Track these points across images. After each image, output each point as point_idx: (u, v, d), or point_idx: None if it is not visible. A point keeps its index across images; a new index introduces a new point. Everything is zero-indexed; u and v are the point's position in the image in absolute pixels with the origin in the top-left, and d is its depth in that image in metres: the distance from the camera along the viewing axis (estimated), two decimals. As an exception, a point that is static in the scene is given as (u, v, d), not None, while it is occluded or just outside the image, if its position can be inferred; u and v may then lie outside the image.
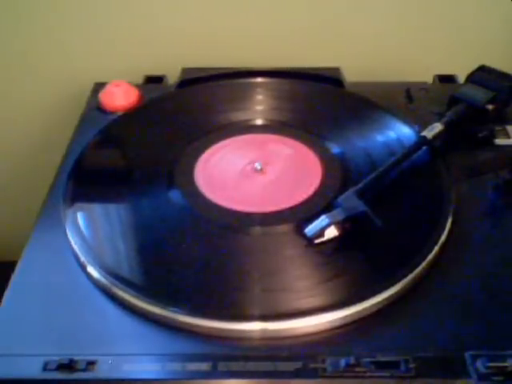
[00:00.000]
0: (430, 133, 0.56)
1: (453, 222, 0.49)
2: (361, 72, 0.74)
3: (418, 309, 0.43)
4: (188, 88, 0.69)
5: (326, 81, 0.68)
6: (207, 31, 0.76)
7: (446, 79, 0.70)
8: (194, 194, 0.53)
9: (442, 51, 0.78)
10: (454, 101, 0.61)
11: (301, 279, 0.45)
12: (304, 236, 0.47)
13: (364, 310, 0.42)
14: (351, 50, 0.78)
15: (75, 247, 0.47)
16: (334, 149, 0.58)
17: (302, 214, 0.50)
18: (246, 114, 0.63)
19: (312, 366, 0.39)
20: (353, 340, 0.41)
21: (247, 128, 0.62)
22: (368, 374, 0.38)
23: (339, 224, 0.47)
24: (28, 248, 0.49)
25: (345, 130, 0.60)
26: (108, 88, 0.66)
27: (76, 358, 0.39)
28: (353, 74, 0.70)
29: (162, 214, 0.51)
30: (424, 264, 0.45)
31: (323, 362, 0.39)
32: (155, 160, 0.57)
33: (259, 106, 0.65)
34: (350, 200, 0.48)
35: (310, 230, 0.47)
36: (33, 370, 0.39)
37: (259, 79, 0.68)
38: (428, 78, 0.71)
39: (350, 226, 0.48)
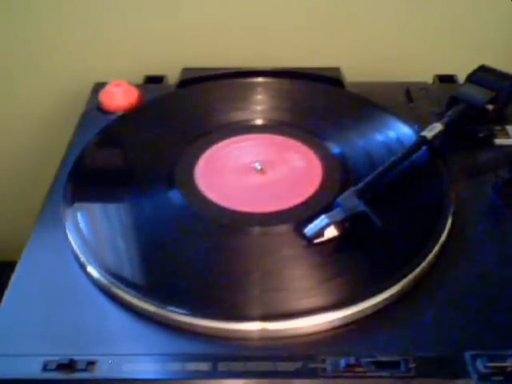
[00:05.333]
0: (429, 133, 0.56)
1: (453, 222, 0.49)
2: (361, 72, 0.74)
3: (417, 309, 0.43)
4: (188, 88, 0.69)
5: (326, 81, 0.68)
6: (207, 31, 0.76)
7: (446, 79, 0.70)
8: (194, 193, 0.53)
9: (442, 51, 0.78)
10: (453, 101, 0.61)
11: (301, 279, 0.45)
12: (304, 236, 0.47)
13: (364, 309, 0.42)
14: (351, 49, 0.78)
15: (75, 247, 0.47)
16: (334, 149, 0.58)
17: (301, 214, 0.50)
18: (245, 114, 0.63)
19: (312, 365, 0.39)
20: (353, 340, 0.41)
21: (247, 128, 0.62)
22: (368, 374, 0.38)
23: (339, 224, 0.47)
24: (28, 248, 0.49)
25: (345, 130, 0.60)
26: (108, 88, 0.66)
27: (76, 357, 0.39)
28: (353, 74, 0.71)
29: (162, 213, 0.51)
30: (424, 264, 0.45)
31: (323, 361, 0.39)
32: (155, 160, 0.57)
33: (259, 106, 0.65)
34: (349, 200, 0.48)
35: (310, 229, 0.47)
36: (33, 370, 0.39)
37: (259, 79, 0.68)
38: (428, 78, 0.71)
39: (350, 226, 0.48)
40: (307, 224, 0.48)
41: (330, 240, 0.47)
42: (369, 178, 0.51)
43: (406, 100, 0.67)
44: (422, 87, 0.68)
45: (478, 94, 0.60)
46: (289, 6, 0.75)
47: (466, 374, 0.38)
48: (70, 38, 0.77)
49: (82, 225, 0.49)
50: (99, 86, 0.68)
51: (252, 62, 0.73)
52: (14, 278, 0.46)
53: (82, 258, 0.46)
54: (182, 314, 0.42)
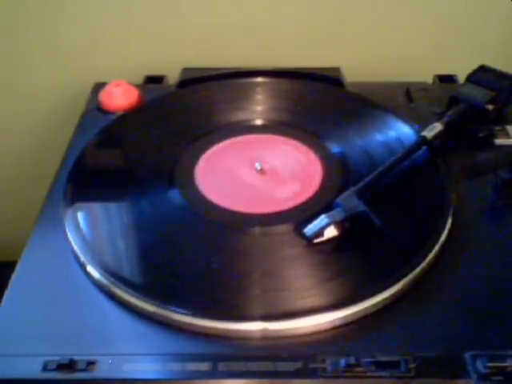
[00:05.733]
0: (429, 133, 0.56)
1: (453, 222, 0.49)
2: (361, 72, 0.74)
3: (418, 309, 0.43)
4: (188, 88, 0.69)
5: (326, 81, 0.68)
6: (207, 31, 0.76)
7: (446, 79, 0.70)
8: (194, 193, 0.53)
9: (442, 51, 0.78)
10: (454, 101, 0.61)
11: (301, 279, 0.45)
12: (304, 236, 0.47)
13: (364, 309, 0.42)
14: (351, 50, 0.78)
15: (75, 247, 0.47)
16: (334, 149, 0.58)
17: (302, 214, 0.50)
18: (245, 114, 0.63)
19: (312, 365, 0.39)
20: (353, 340, 0.41)
21: (247, 128, 0.62)
22: (368, 374, 0.38)
23: (339, 224, 0.47)
24: (28, 248, 0.49)
25: (345, 129, 0.60)
26: (108, 88, 0.66)
27: (76, 357, 0.39)
28: (353, 74, 0.71)
29: (162, 214, 0.51)
30: (424, 264, 0.45)
31: (323, 361, 0.39)
32: (155, 160, 0.57)
33: (259, 106, 0.65)
34: (349, 200, 0.48)
35: (310, 229, 0.47)
36: (33, 369, 0.39)
37: (259, 79, 0.68)
38: (428, 78, 0.71)
39: (350, 226, 0.48)
40: (307, 224, 0.48)
41: (329, 240, 0.47)
42: (369, 177, 0.51)
43: (405, 100, 0.67)
44: (422, 87, 0.68)
45: (478, 94, 0.60)
46: (289, 6, 0.75)
47: (466, 374, 0.38)
48: (70, 38, 0.77)
49: (82, 225, 0.49)
50: (99, 86, 0.68)
51: (252, 62, 0.73)
52: (13, 278, 0.46)
53: (82, 258, 0.46)
54: (182, 313, 0.42)
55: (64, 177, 0.55)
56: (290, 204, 0.51)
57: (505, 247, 0.48)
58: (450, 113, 0.59)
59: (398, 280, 0.43)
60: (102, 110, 0.66)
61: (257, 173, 0.55)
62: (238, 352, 0.40)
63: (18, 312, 0.43)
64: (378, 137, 0.59)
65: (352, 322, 0.42)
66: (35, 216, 0.52)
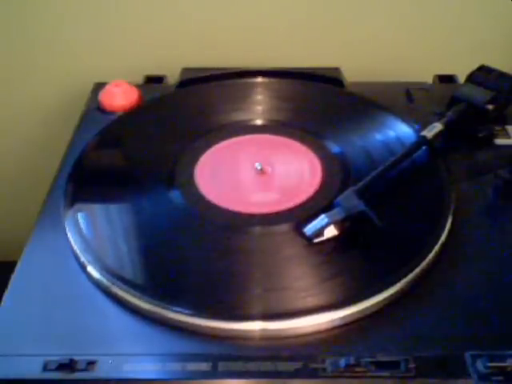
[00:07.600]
0: (429, 133, 0.56)
1: (453, 222, 0.49)
2: (361, 72, 0.74)
3: (418, 309, 0.43)
4: (188, 88, 0.69)
5: (326, 81, 0.68)
6: (207, 31, 0.76)
7: (446, 79, 0.70)
8: (194, 194, 0.53)
9: (442, 51, 0.78)
10: (454, 101, 0.61)
11: (301, 279, 0.45)
12: (303, 235, 0.47)
13: (364, 310, 0.42)
14: (351, 49, 0.78)
15: (75, 247, 0.47)
16: (334, 149, 0.58)
17: (302, 214, 0.50)
18: (245, 114, 0.63)
19: (312, 366, 0.39)
20: (353, 340, 0.41)
21: (247, 128, 0.62)
22: (368, 374, 0.38)
23: (339, 223, 0.47)
24: (28, 248, 0.49)
25: (345, 129, 0.60)
26: (108, 88, 0.66)
27: (76, 358, 0.39)
28: (353, 74, 0.71)
29: (162, 214, 0.51)
30: (424, 264, 0.45)
31: (323, 362, 0.39)
32: (155, 160, 0.57)
33: (259, 106, 0.65)
34: (349, 199, 0.48)
35: (310, 229, 0.47)
36: (33, 369, 0.39)
37: (259, 79, 0.68)
38: (428, 78, 0.71)
39: (350, 226, 0.48)
40: (307, 224, 0.48)
41: (329, 239, 0.47)
42: (369, 177, 0.51)
43: (405, 100, 0.67)
44: (422, 87, 0.68)
45: (478, 94, 0.60)
46: (288, 6, 0.75)
47: (466, 374, 0.38)
48: (70, 38, 0.77)
49: (82, 225, 0.49)
50: (99, 86, 0.68)
51: (252, 62, 0.73)
52: (13, 278, 0.46)
53: (82, 258, 0.46)
54: (182, 313, 0.42)
55: (64, 177, 0.55)
56: (290, 204, 0.51)
57: (505, 247, 0.48)
58: (450, 113, 0.59)
59: (398, 280, 0.43)
60: (102, 110, 0.66)
61: (257, 173, 0.55)
62: (237, 352, 0.40)
63: (18, 312, 0.43)
64: (378, 137, 0.59)
65: (352, 322, 0.42)
66: (35, 216, 0.52)
